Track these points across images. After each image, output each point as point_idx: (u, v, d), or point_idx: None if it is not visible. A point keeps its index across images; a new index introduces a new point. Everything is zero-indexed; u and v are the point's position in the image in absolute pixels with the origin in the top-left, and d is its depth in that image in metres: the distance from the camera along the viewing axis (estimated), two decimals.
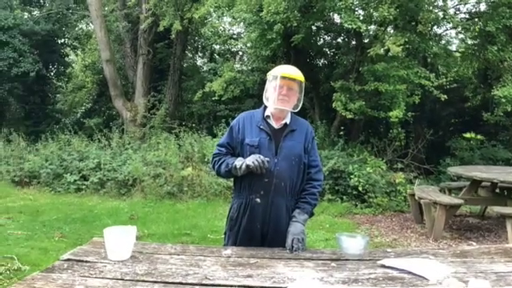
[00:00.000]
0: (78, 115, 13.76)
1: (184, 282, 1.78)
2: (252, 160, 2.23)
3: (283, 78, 2.34)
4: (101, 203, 7.22)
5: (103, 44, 10.75)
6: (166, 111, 10.43)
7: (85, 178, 8.07)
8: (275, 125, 2.39)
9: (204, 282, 1.78)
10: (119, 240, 2.00)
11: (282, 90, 2.34)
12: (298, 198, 2.40)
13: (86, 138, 9.49)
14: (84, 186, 7.93)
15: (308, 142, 2.43)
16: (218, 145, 2.50)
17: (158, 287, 1.72)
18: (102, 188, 7.88)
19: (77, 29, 14.75)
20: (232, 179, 2.51)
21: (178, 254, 2.13)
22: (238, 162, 2.30)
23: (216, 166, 2.46)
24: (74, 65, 15.56)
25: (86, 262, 1.97)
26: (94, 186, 7.89)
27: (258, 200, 2.34)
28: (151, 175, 7.67)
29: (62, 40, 14.08)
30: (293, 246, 2.18)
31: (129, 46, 11.83)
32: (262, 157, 2.23)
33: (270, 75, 2.43)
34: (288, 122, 2.39)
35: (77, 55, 15.74)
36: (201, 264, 1.99)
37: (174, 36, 9.77)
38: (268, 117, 2.40)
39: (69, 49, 14.58)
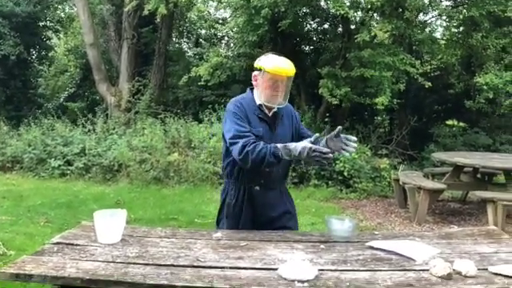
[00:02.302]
0: (61, 100, 13.51)
1: (176, 264, 1.79)
2: (314, 158, 2.04)
3: (278, 75, 2.26)
4: (86, 188, 7.16)
5: (86, 27, 10.53)
6: (151, 96, 10.32)
7: (69, 163, 7.98)
8: (268, 113, 2.37)
9: (195, 263, 1.80)
10: (109, 223, 2.00)
11: (275, 86, 2.28)
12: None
13: (70, 123, 9.35)
14: (69, 171, 7.84)
15: (295, 124, 2.47)
16: (241, 131, 2.21)
17: (149, 269, 1.73)
18: (87, 173, 7.80)
19: (59, 11, 14.39)
20: (225, 165, 2.41)
21: (169, 237, 2.14)
22: (292, 151, 2.07)
23: (252, 157, 2.13)
24: (56, 48, 15.21)
25: (77, 245, 1.97)
26: (79, 171, 7.81)
27: (258, 188, 2.35)
28: (137, 160, 7.62)
29: (44, 23, 13.71)
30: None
31: (113, 29, 11.61)
32: (321, 150, 2.04)
33: (261, 67, 2.29)
34: (276, 109, 2.37)
35: (59, 38, 15.38)
36: (191, 247, 2.00)
37: (159, 20, 9.63)
38: (260, 105, 2.35)
39: (51, 32, 14.20)
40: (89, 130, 8.80)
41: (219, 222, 2.50)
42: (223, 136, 2.37)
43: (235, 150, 2.19)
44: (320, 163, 2.08)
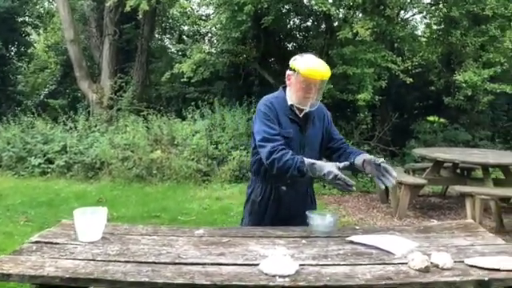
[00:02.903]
0: (42, 97, 13.28)
1: (157, 261, 1.79)
2: (338, 186, 2.06)
3: (312, 78, 2.21)
4: (67, 186, 7.07)
5: (67, 23, 10.35)
6: (133, 93, 10.21)
7: (50, 161, 7.85)
8: (299, 114, 2.33)
9: (177, 260, 1.80)
10: (90, 221, 1.98)
11: (308, 89, 2.23)
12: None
13: (51, 121, 9.20)
14: (49, 170, 7.72)
15: (326, 125, 2.43)
16: (270, 134, 2.20)
17: (130, 267, 1.72)
18: (68, 171, 7.70)
19: (38, 6, 14.12)
20: (253, 162, 2.41)
21: (150, 235, 2.13)
22: (317, 171, 2.08)
23: (278, 166, 2.14)
24: (35, 45, 14.93)
25: (56, 243, 1.95)
26: (60, 170, 7.69)
27: (284, 188, 2.33)
28: (119, 158, 7.55)
29: (23, 18, 13.44)
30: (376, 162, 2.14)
31: (94, 25, 11.44)
32: (346, 181, 2.03)
33: (296, 68, 2.24)
34: (308, 111, 2.32)
35: (39, 34, 15.08)
36: (173, 244, 2.00)
37: (141, 16, 9.52)
38: (292, 106, 2.31)
39: (30, 28, 13.93)
40: (70, 128, 8.67)
41: (244, 220, 2.50)
42: (252, 134, 2.35)
43: (263, 153, 2.21)
44: (341, 189, 2.08)
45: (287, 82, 2.34)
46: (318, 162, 2.11)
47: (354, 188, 2.05)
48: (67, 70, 12.28)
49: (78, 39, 10.74)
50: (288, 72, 2.31)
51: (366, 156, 2.23)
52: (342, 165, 2.10)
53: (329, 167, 2.06)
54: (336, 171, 2.04)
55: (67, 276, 1.61)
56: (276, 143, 2.18)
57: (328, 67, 2.28)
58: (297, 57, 2.31)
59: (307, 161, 2.10)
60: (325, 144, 2.43)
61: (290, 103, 2.31)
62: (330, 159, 2.47)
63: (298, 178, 2.19)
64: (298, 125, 2.31)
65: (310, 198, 2.49)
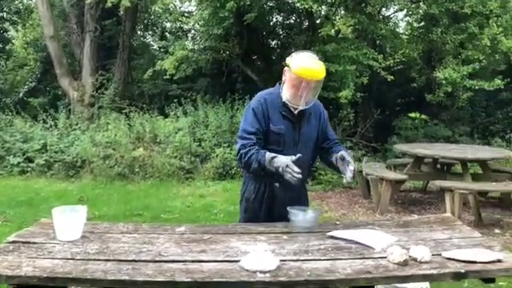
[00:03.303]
0: (21, 95, 13.01)
1: (137, 259, 1.78)
2: (287, 174, 2.08)
3: (303, 77, 2.19)
4: (48, 186, 6.95)
5: (46, 19, 10.14)
6: (115, 91, 10.07)
7: (30, 159, 7.71)
8: (294, 111, 2.31)
9: (157, 258, 1.79)
10: (69, 220, 1.96)
11: (300, 87, 2.22)
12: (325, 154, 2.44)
13: (30, 119, 9.03)
14: (29, 169, 7.57)
15: (322, 124, 2.42)
16: (246, 132, 2.28)
17: (110, 265, 1.71)
18: (48, 170, 7.57)
19: (17, 2, 13.81)
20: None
21: (131, 233, 2.12)
22: (274, 163, 2.12)
23: (244, 160, 2.24)
24: (14, 41, 14.62)
25: (34, 243, 1.92)
26: (40, 168, 7.56)
27: (277, 184, 2.32)
28: (101, 156, 7.45)
29: (1, 14, 13.16)
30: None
31: (74, 22, 11.23)
32: (294, 169, 2.07)
33: (289, 64, 2.25)
34: (303, 108, 2.30)
35: (17, 31, 14.75)
36: (154, 241, 1.99)
37: (122, 13, 9.41)
38: (286, 102, 2.30)
39: (8, 24, 13.63)
40: (50, 126, 8.52)
41: (240, 217, 2.50)
42: None
43: (237, 149, 2.31)
44: (289, 179, 2.09)
45: (283, 78, 2.33)
46: (277, 156, 2.14)
47: (300, 176, 2.06)
48: (47, 66, 12.04)
49: (57, 36, 10.54)
50: (284, 68, 2.32)
51: (337, 153, 2.27)
52: (295, 158, 2.12)
53: (284, 159, 2.11)
54: (288, 162, 2.08)
55: (45, 276, 1.59)
56: (248, 141, 2.25)
57: (323, 67, 2.26)
58: (293, 54, 2.32)
59: (268, 155, 2.15)
60: (319, 143, 2.44)
61: (284, 99, 2.30)
62: (321, 159, 2.52)
63: (259, 171, 2.22)
64: (291, 121, 2.31)
65: (302, 196, 2.49)
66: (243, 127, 2.31)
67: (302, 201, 2.43)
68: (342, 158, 2.21)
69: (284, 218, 2.28)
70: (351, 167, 2.19)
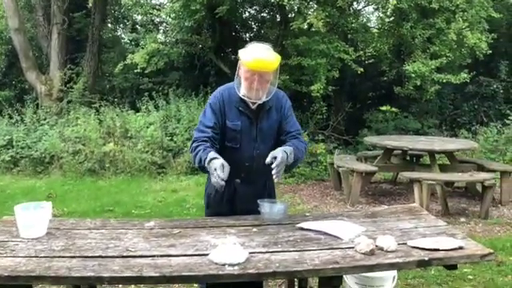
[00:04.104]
0: None
1: (104, 255, 1.75)
2: (213, 178, 2.05)
3: (253, 69, 2.12)
4: (14, 182, 6.76)
5: (10, 11, 9.78)
6: (84, 85, 9.84)
7: None
8: (251, 106, 2.24)
9: (125, 254, 1.77)
10: (32, 216, 1.91)
11: (252, 80, 2.14)
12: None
13: None
14: None
15: (284, 116, 2.32)
16: (203, 125, 2.23)
17: (76, 262, 1.68)
18: (15, 166, 7.37)
19: None
20: None
21: (98, 229, 2.08)
22: (211, 164, 2.07)
23: (192, 154, 2.22)
24: None
25: None
26: (6, 165, 7.36)
27: (238, 181, 2.29)
28: (70, 152, 7.29)
29: None
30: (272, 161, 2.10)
31: (41, 13, 10.86)
32: (220, 174, 2.02)
33: (244, 59, 2.17)
34: (262, 102, 2.23)
35: None
36: (122, 237, 1.96)
37: (91, 5, 9.18)
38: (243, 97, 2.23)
39: None
40: (16, 121, 8.27)
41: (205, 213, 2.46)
42: None
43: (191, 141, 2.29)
44: (215, 184, 2.04)
45: (237, 72, 2.27)
46: (216, 159, 2.07)
47: (223, 183, 2.01)
48: (13, 60, 11.63)
49: (23, 28, 10.20)
50: (239, 61, 2.24)
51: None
52: (226, 164, 2.06)
53: (217, 163, 2.05)
54: (217, 166, 2.03)
55: (6, 274, 1.54)
56: (202, 134, 2.21)
57: (275, 58, 2.17)
58: (247, 45, 2.25)
59: (210, 154, 2.09)
60: (278, 136, 2.35)
61: (240, 95, 2.23)
62: None
63: (202, 169, 2.17)
64: (248, 117, 2.24)
65: (267, 191, 2.41)
66: (201, 120, 2.28)
67: (267, 195, 2.38)
68: (274, 157, 2.12)
69: (247, 213, 2.26)
70: (275, 170, 2.09)
